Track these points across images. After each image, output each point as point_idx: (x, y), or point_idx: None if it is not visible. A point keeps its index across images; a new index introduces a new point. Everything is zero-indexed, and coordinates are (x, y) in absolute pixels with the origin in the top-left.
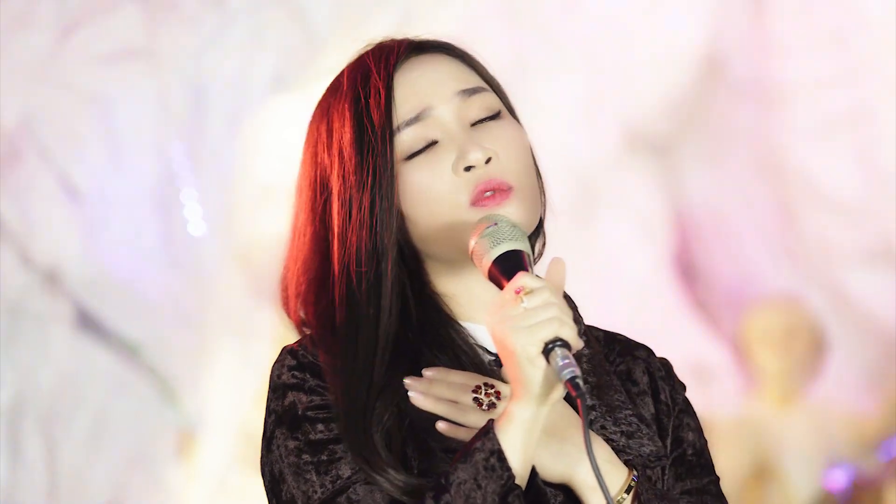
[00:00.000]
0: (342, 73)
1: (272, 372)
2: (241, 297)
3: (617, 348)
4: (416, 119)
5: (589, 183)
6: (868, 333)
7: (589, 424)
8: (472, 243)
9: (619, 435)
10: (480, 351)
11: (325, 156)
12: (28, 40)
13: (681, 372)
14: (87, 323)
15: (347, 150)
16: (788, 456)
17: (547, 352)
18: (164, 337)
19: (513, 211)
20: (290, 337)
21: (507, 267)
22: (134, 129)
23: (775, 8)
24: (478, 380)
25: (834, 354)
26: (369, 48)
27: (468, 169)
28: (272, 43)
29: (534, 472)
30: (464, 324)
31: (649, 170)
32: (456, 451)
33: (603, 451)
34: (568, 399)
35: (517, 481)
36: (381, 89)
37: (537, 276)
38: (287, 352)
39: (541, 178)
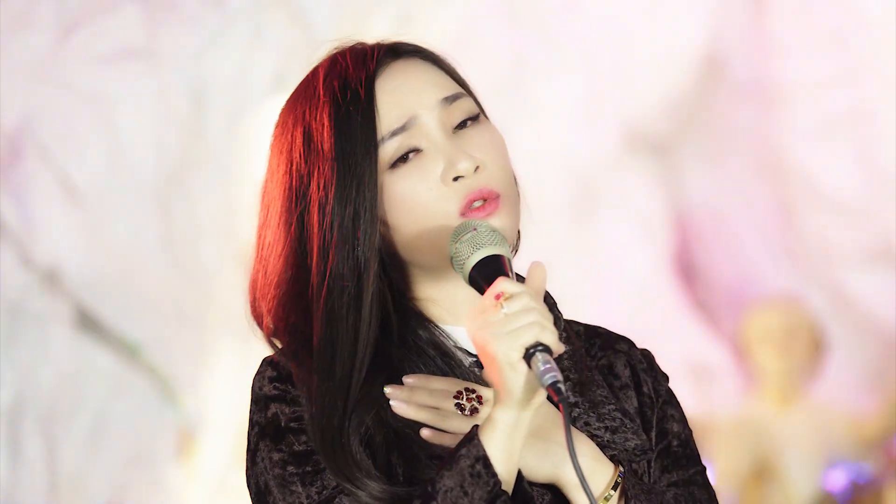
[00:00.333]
0: (315, 75)
1: (253, 384)
2: (241, 297)
3: (598, 342)
4: (401, 129)
5: (589, 183)
6: (868, 333)
7: (572, 421)
8: (451, 249)
9: (603, 430)
10: (462, 354)
11: (303, 164)
12: (28, 40)
13: (681, 372)
14: (87, 323)
15: (329, 160)
16: (788, 456)
17: (528, 357)
18: (164, 337)
19: (503, 218)
20: None
21: (488, 272)
22: (134, 129)
23: (775, 8)
24: (459, 385)
25: (834, 354)
26: (339, 50)
27: (457, 178)
28: (272, 43)
29: (520, 476)
30: (445, 327)
31: (649, 170)
32: (441, 457)
33: (588, 448)
34: (552, 400)
35: (503, 487)
36: (363, 97)
37: (519, 274)
38: (267, 363)
39: (516, 179)
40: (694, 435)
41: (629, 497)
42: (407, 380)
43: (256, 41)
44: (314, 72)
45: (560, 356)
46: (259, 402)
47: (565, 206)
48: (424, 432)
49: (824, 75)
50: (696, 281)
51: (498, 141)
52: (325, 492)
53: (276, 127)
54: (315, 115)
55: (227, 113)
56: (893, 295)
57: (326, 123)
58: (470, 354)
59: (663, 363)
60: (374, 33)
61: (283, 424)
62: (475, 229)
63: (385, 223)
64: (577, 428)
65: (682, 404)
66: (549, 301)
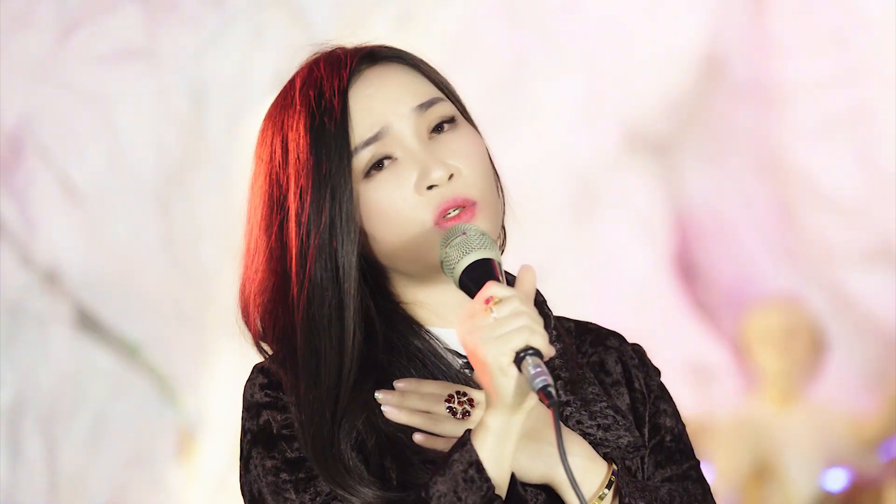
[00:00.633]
0: (293, 84)
1: (245, 391)
2: None
3: (588, 339)
4: (374, 138)
5: (589, 183)
6: (868, 333)
7: (564, 420)
8: (441, 254)
9: (595, 428)
10: (452, 356)
11: (281, 173)
12: (28, 40)
13: (681, 372)
14: (87, 323)
15: (304, 170)
16: (788, 456)
17: (518, 361)
18: (164, 337)
19: (480, 225)
20: None
21: (477, 276)
22: (134, 129)
23: (775, 8)
24: (450, 388)
25: (834, 354)
26: (319, 55)
27: (431, 187)
28: (272, 43)
29: (513, 480)
30: (434, 329)
31: (649, 170)
32: (434, 461)
33: (581, 447)
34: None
35: (497, 491)
36: (336, 107)
37: (511, 274)
38: (258, 370)
39: (497, 175)
40: (694, 435)
41: (623, 495)
42: (398, 384)
43: (256, 41)
44: (292, 80)
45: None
46: (251, 409)
47: (565, 206)
48: (417, 437)
49: (824, 75)
50: (696, 281)
51: (475, 145)
52: (318, 498)
53: (259, 134)
54: (292, 124)
55: (227, 113)
56: (893, 295)
57: (302, 133)
58: (460, 356)
59: (663, 363)
60: (374, 33)
61: (275, 432)
62: (464, 233)
63: (363, 232)
64: (569, 427)
65: (682, 404)
66: (539, 299)
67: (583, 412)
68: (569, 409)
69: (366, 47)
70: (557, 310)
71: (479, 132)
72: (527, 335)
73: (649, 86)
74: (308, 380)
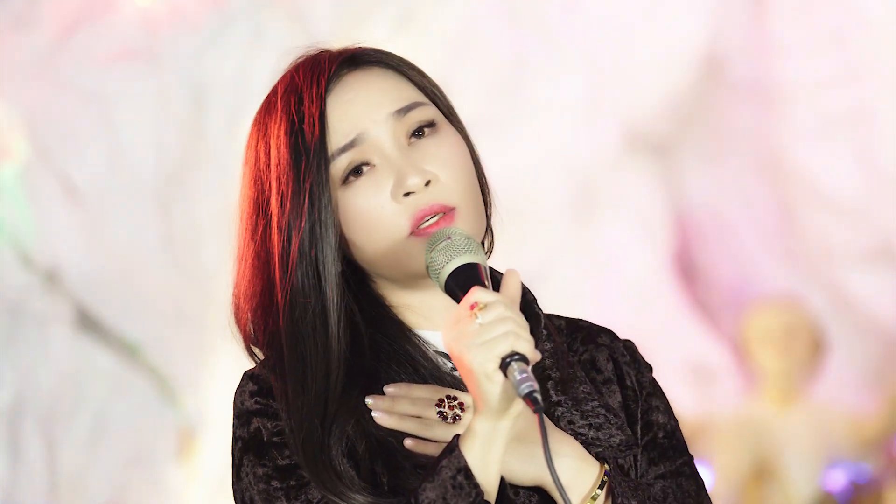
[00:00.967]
0: (275, 90)
1: (235, 398)
2: None
3: (580, 336)
4: (350, 145)
5: (589, 183)
6: (868, 333)
7: (555, 420)
8: (427, 259)
9: (587, 428)
10: (442, 358)
11: (265, 178)
12: (28, 40)
13: (681, 372)
14: (87, 323)
15: (284, 176)
16: (788, 456)
17: (504, 367)
18: (164, 337)
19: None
20: None
21: (463, 281)
22: (134, 129)
23: (775, 8)
24: (440, 392)
25: (834, 354)
26: (301, 59)
27: (408, 194)
28: (272, 43)
29: (503, 484)
30: (421, 332)
31: (649, 170)
32: (426, 466)
33: (572, 448)
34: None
35: (486, 497)
36: (314, 114)
37: (499, 273)
38: (248, 377)
39: (483, 177)
40: (694, 435)
41: (616, 495)
42: (388, 389)
43: (256, 41)
44: (275, 87)
45: (542, 354)
46: (241, 416)
47: (565, 206)
48: (408, 442)
49: (824, 75)
50: (696, 281)
51: (455, 149)
52: None
53: (247, 138)
54: (274, 130)
55: (227, 113)
56: (893, 295)
57: (282, 139)
58: (449, 359)
59: (663, 363)
60: (374, 33)
61: (265, 439)
62: (449, 238)
63: (345, 238)
64: (561, 427)
65: (682, 404)
66: (529, 297)
67: (574, 412)
68: (560, 409)
69: (348, 51)
70: (558, 310)
71: (464, 134)
72: (512, 340)
73: (649, 86)
74: (296, 386)
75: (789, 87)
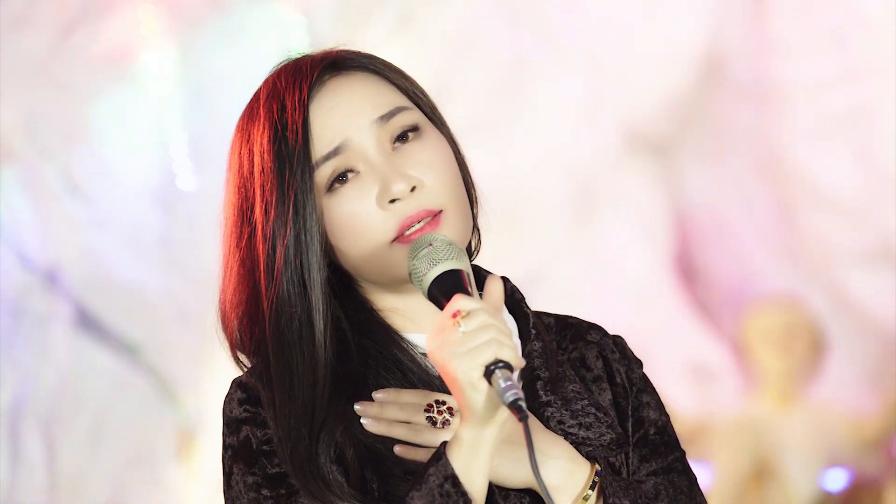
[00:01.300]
0: (257, 95)
1: (224, 406)
2: None
3: (569, 334)
4: (334, 153)
5: (589, 183)
6: (868, 333)
7: (545, 421)
8: (409, 265)
9: (577, 427)
10: (429, 362)
11: (249, 185)
12: (28, 40)
13: (681, 372)
14: (87, 323)
15: (268, 184)
16: (788, 456)
17: (488, 374)
18: (164, 337)
19: (446, 234)
20: None
21: (445, 288)
22: (134, 129)
23: (775, 8)
24: (429, 397)
25: (834, 354)
26: (284, 65)
27: (393, 201)
28: (272, 43)
29: (491, 490)
30: (410, 335)
31: (649, 170)
32: (416, 471)
33: (562, 450)
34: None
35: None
36: (297, 121)
37: (487, 270)
38: (237, 385)
39: (469, 176)
40: (694, 435)
41: (607, 495)
42: (377, 395)
43: (256, 41)
44: (257, 93)
45: (531, 354)
46: (230, 424)
47: (565, 206)
48: (397, 449)
49: (824, 75)
50: (696, 281)
51: (439, 152)
52: None
53: (230, 142)
54: (257, 137)
55: (227, 113)
56: (893, 295)
57: (266, 147)
58: None
59: (663, 363)
60: (375, 33)
61: (255, 447)
62: (431, 244)
63: (331, 245)
64: (550, 427)
65: (682, 404)
66: (517, 296)
67: (564, 411)
68: (550, 409)
69: (330, 55)
70: (558, 310)
71: (449, 135)
72: (495, 348)
73: (649, 86)
74: (283, 395)
75: (789, 87)
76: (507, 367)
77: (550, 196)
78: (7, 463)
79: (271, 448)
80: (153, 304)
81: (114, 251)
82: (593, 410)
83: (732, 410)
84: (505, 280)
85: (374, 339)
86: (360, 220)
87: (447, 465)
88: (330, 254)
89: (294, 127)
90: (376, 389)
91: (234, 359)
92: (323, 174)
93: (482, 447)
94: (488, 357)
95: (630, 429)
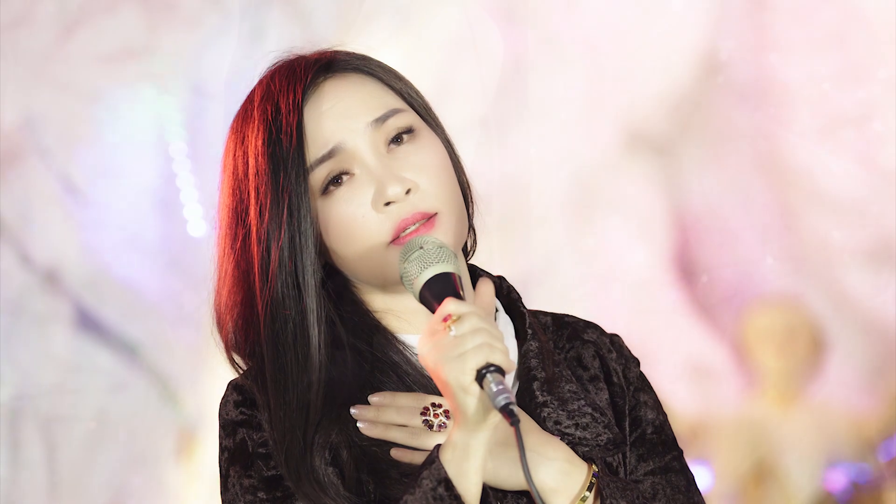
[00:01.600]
0: (251, 97)
1: (220, 409)
2: None
3: (565, 333)
4: (328, 156)
5: (589, 183)
6: (868, 333)
7: (542, 422)
8: (400, 269)
9: (574, 428)
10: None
11: (243, 187)
12: (28, 40)
13: (681, 372)
14: (87, 323)
15: (263, 186)
16: (788, 456)
17: (480, 378)
18: (164, 337)
19: (440, 236)
20: None
21: (437, 291)
22: (134, 129)
23: (775, 8)
24: (425, 400)
25: (834, 354)
26: (278, 66)
27: (388, 204)
28: (272, 43)
29: (485, 492)
30: (405, 336)
31: (649, 170)
32: (412, 474)
33: (559, 451)
34: (519, 398)
35: None
36: (291, 124)
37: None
38: (232, 387)
39: (464, 176)
40: (694, 435)
41: (605, 496)
42: (373, 398)
43: (256, 41)
44: (252, 93)
45: (527, 353)
46: (226, 427)
47: (565, 206)
48: (394, 452)
49: (824, 75)
50: (696, 281)
51: (434, 154)
52: None
53: (225, 143)
54: (251, 139)
55: (227, 113)
56: (893, 295)
57: (260, 149)
58: None
59: (663, 363)
60: (374, 33)
61: (251, 450)
62: (422, 247)
63: (325, 245)
64: (547, 428)
65: (682, 404)
66: (514, 296)
67: (560, 412)
68: (546, 409)
69: (325, 56)
70: (558, 310)
71: (443, 136)
72: (486, 352)
73: (649, 86)
74: (277, 396)
75: (789, 87)
76: (499, 370)
77: (550, 196)
78: (7, 463)
79: (267, 450)
80: (153, 304)
81: (114, 251)
82: (590, 410)
83: (732, 410)
84: (501, 279)
85: (369, 341)
86: (355, 223)
87: (440, 468)
88: (325, 256)
89: (288, 129)
90: (371, 392)
91: (230, 361)
92: (318, 177)
93: (475, 450)
94: (479, 361)
95: (627, 428)
